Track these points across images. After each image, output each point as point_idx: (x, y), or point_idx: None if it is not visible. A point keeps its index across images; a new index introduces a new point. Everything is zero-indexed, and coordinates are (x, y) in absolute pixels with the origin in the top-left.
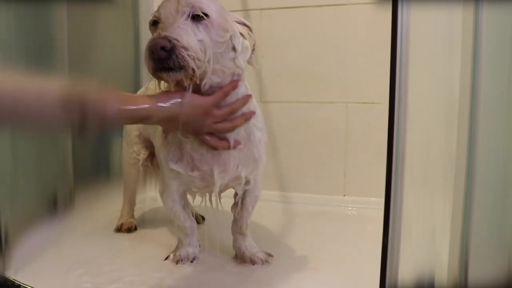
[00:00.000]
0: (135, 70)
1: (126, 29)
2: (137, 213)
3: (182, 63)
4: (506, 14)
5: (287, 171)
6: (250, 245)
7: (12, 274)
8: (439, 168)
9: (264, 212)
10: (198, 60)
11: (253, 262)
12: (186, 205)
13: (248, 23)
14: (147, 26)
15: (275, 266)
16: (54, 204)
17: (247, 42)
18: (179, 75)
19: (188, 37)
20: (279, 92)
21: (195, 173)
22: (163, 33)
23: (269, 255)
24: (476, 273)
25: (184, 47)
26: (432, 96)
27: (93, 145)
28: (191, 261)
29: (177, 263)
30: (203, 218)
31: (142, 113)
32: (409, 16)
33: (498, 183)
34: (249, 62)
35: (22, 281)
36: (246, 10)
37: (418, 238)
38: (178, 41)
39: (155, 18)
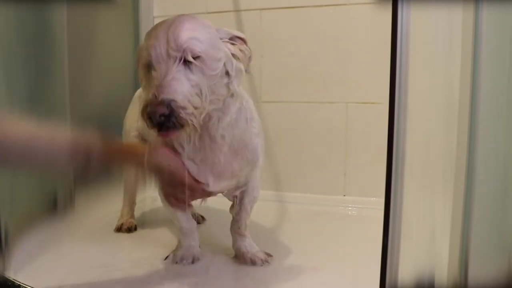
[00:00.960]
0: (134, 70)
1: (126, 29)
2: (137, 213)
3: (182, 122)
4: (506, 14)
5: (287, 171)
6: (250, 245)
7: (12, 274)
8: (439, 168)
9: (264, 212)
10: (196, 108)
11: (253, 262)
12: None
13: (240, 35)
14: (147, 26)
15: (275, 266)
16: (54, 204)
17: (240, 65)
18: (179, 132)
19: (183, 88)
20: (279, 92)
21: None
22: (160, 97)
23: (269, 255)
24: (476, 273)
25: (182, 107)
26: (432, 96)
27: None
28: (191, 262)
29: (176, 263)
30: (203, 218)
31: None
32: (409, 16)
33: (498, 183)
34: (246, 71)
35: (22, 281)
36: (246, 10)
37: (418, 238)
38: (175, 101)
39: (147, 62)
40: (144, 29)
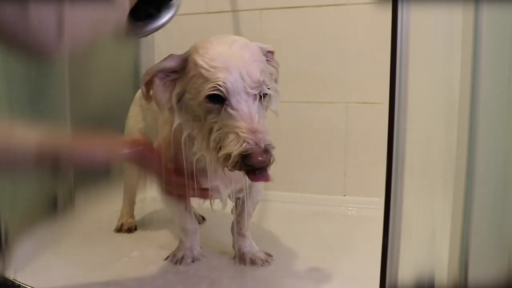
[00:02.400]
0: (135, 70)
1: None
2: (137, 213)
3: (272, 161)
4: (506, 14)
5: (287, 171)
6: (250, 245)
7: (12, 274)
8: (439, 168)
9: (264, 212)
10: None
11: (253, 262)
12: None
13: (270, 48)
14: None
15: (275, 266)
16: (54, 204)
17: (276, 85)
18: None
19: (267, 127)
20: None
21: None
22: (263, 145)
23: (269, 255)
24: (476, 273)
25: (273, 149)
26: (432, 96)
27: None
28: (192, 261)
29: (176, 263)
30: (203, 218)
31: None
32: (409, 16)
33: (498, 183)
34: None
35: (22, 281)
36: (246, 10)
37: (418, 238)
38: (272, 146)
39: (218, 92)
40: None
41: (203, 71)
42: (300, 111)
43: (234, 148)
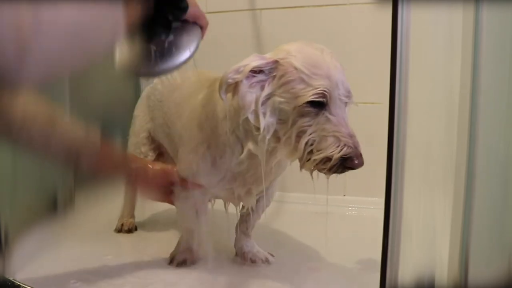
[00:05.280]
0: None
1: None
2: (137, 213)
3: None
4: (506, 14)
5: (287, 171)
6: (252, 245)
7: (12, 274)
8: (439, 168)
9: (265, 212)
10: None
11: (253, 261)
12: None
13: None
14: None
15: (275, 266)
16: (54, 205)
17: None
18: None
19: None
20: None
21: (231, 189)
22: (359, 148)
23: (270, 255)
24: (476, 273)
25: None
26: (432, 96)
27: None
28: (193, 263)
29: (177, 266)
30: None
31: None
32: (409, 16)
33: (498, 183)
34: None
35: (21, 281)
36: (246, 10)
37: (418, 238)
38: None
39: (321, 99)
40: None
41: (304, 76)
42: None
43: (335, 151)
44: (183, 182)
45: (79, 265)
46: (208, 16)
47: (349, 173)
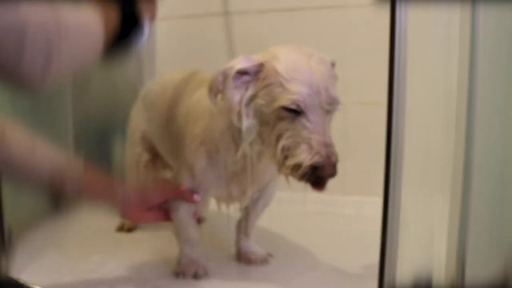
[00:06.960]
0: (135, 71)
1: None
2: None
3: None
4: (504, 15)
5: None
6: (251, 245)
7: (15, 273)
8: (437, 168)
9: (264, 212)
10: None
11: (253, 261)
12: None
13: (333, 61)
14: None
15: (275, 266)
16: (57, 204)
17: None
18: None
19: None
20: None
21: (228, 192)
22: (333, 158)
23: (269, 254)
24: (473, 273)
25: (338, 162)
26: (430, 97)
27: (94, 145)
28: (205, 273)
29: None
30: (203, 219)
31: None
32: (407, 17)
33: (495, 183)
34: None
35: (25, 280)
36: (246, 12)
37: (416, 238)
38: (337, 159)
39: (295, 107)
40: None
41: (282, 80)
42: None
43: (306, 158)
44: (178, 194)
45: (80, 264)
46: (208, 17)
47: (349, 173)
